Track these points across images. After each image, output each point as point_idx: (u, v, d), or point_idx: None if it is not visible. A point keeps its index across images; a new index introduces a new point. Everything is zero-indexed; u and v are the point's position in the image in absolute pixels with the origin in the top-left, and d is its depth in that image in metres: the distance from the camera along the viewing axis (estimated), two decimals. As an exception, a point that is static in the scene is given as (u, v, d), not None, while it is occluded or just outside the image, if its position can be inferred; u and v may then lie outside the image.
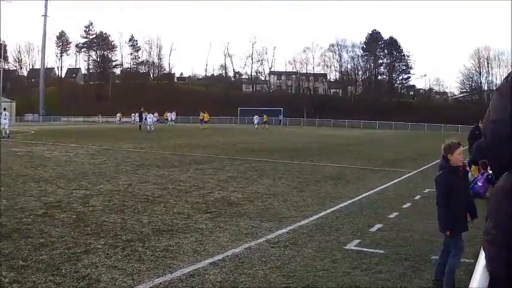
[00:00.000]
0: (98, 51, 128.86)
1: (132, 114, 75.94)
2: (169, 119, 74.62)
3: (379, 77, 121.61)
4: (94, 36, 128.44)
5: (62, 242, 7.54)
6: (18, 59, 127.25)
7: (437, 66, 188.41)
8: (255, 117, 69.91)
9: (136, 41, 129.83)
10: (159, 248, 7.41)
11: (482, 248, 2.02)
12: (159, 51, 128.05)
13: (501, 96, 1.88)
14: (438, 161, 22.25)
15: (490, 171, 16.01)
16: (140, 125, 52.71)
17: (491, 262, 1.95)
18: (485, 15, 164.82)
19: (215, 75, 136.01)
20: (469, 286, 2.02)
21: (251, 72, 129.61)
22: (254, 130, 59.95)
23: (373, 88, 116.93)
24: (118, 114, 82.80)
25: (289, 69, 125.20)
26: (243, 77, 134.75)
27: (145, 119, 51.27)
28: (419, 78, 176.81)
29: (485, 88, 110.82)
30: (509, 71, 2.03)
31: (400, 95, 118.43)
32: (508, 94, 1.83)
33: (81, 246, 7.32)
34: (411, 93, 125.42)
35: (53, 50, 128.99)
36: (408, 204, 11.68)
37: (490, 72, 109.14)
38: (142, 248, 7.35)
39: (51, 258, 6.69)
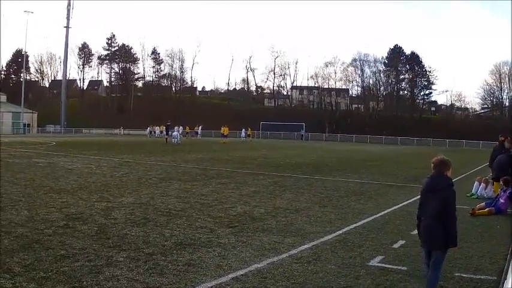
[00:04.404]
0: (120, 64, 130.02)
1: (156, 127, 76.29)
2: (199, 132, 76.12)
3: (401, 93, 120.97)
4: (116, 48, 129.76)
5: (84, 254, 7.50)
6: (40, 70, 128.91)
7: (459, 82, 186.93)
8: (242, 130, 76.66)
9: (159, 53, 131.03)
10: (181, 262, 7.32)
11: None
12: (182, 65, 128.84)
13: None
14: (461, 176, 21.79)
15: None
16: (167, 139, 53.26)
17: None
18: (506, 31, 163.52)
19: (237, 89, 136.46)
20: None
21: (273, 86, 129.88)
22: (241, 142, 66.53)
23: (394, 104, 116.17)
24: (149, 128, 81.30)
25: (311, 84, 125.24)
26: (265, 91, 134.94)
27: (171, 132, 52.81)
28: (441, 94, 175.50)
29: (507, 104, 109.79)
30: None
31: (422, 111, 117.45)
32: None
33: (103, 259, 7.27)
34: (433, 109, 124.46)
35: (75, 61, 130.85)
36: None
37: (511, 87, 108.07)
38: (164, 262, 7.27)
39: (72, 270, 6.64)
